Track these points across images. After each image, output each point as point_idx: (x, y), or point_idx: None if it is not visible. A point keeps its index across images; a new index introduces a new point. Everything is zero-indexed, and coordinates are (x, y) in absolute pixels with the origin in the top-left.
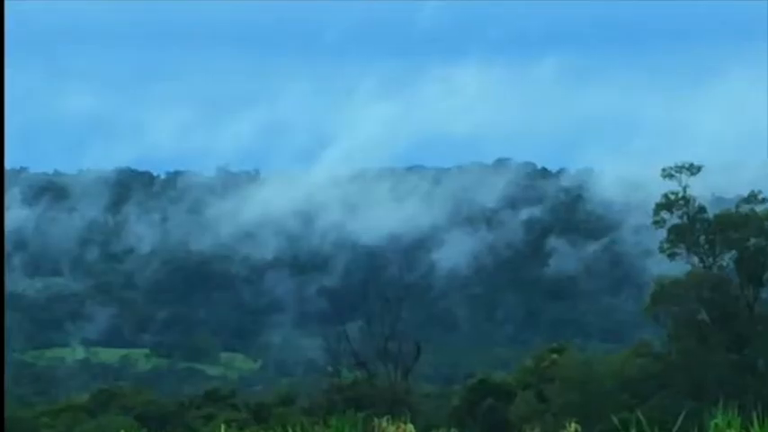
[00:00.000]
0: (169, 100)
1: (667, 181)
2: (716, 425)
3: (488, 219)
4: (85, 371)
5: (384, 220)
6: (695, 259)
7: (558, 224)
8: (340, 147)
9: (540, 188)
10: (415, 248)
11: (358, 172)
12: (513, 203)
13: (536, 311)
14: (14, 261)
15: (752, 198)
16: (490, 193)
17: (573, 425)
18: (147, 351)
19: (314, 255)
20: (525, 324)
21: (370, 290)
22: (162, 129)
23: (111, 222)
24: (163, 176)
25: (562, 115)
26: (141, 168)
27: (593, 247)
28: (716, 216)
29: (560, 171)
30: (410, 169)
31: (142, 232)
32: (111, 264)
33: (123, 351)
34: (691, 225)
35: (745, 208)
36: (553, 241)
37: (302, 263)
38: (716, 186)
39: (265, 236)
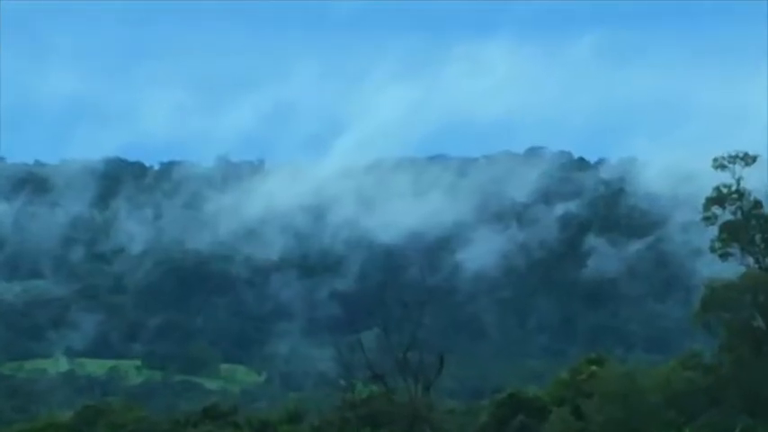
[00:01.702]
0: (163, 81)
1: (719, 172)
2: None
3: (519, 214)
4: (69, 384)
5: (403, 215)
6: (750, 260)
7: (598, 220)
8: (354, 134)
9: (578, 180)
10: (437, 248)
11: (374, 162)
12: (546, 197)
13: (572, 318)
14: None
15: None
16: (521, 186)
17: None
18: (138, 362)
19: (325, 255)
20: (560, 332)
21: (388, 294)
22: (155, 113)
23: (99, 218)
24: (156, 167)
25: (602, 99)
26: (132, 158)
27: (636, 247)
28: None
29: (600, 161)
30: (432, 159)
31: (133, 230)
32: (98, 265)
33: (111, 362)
34: (745, 221)
35: None
36: (592, 240)
37: (312, 264)
38: None
39: (270, 233)
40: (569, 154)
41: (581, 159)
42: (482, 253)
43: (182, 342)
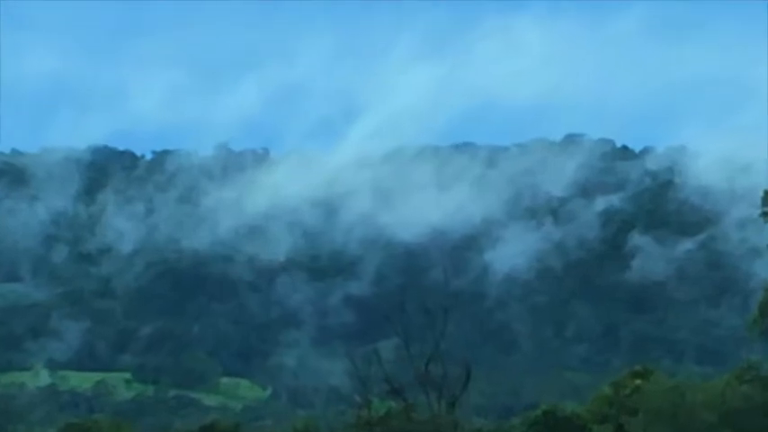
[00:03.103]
0: (155, 60)
1: None
2: None
3: (555, 210)
4: (51, 400)
5: (425, 211)
6: None
7: (643, 216)
8: (370, 119)
9: (621, 171)
10: (463, 247)
11: (393, 151)
12: (585, 190)
13: (615, 326)
14: None
15: None
16: (557, 178)
17: None
18: (127, 375)
19: (337, 255)
20: (601, 342)
21: (408, 299)
22: (147, 96)
23: (84, 214)
24: (148, 157)
25: (649, 80)
26: (121, 146)
27: (686, 246)
28: None
29: (645, 150)
30: (458, 147)
31: (122, 227)
32: (83, 266)
33: (98, 375)
34: None
35: None
36: (636, 238)
37: (322, 265)
38: None
39: (276, 231)
40: (611, 142)
41: (624, 148)
42: (513, 253)
43: (177, 353)
